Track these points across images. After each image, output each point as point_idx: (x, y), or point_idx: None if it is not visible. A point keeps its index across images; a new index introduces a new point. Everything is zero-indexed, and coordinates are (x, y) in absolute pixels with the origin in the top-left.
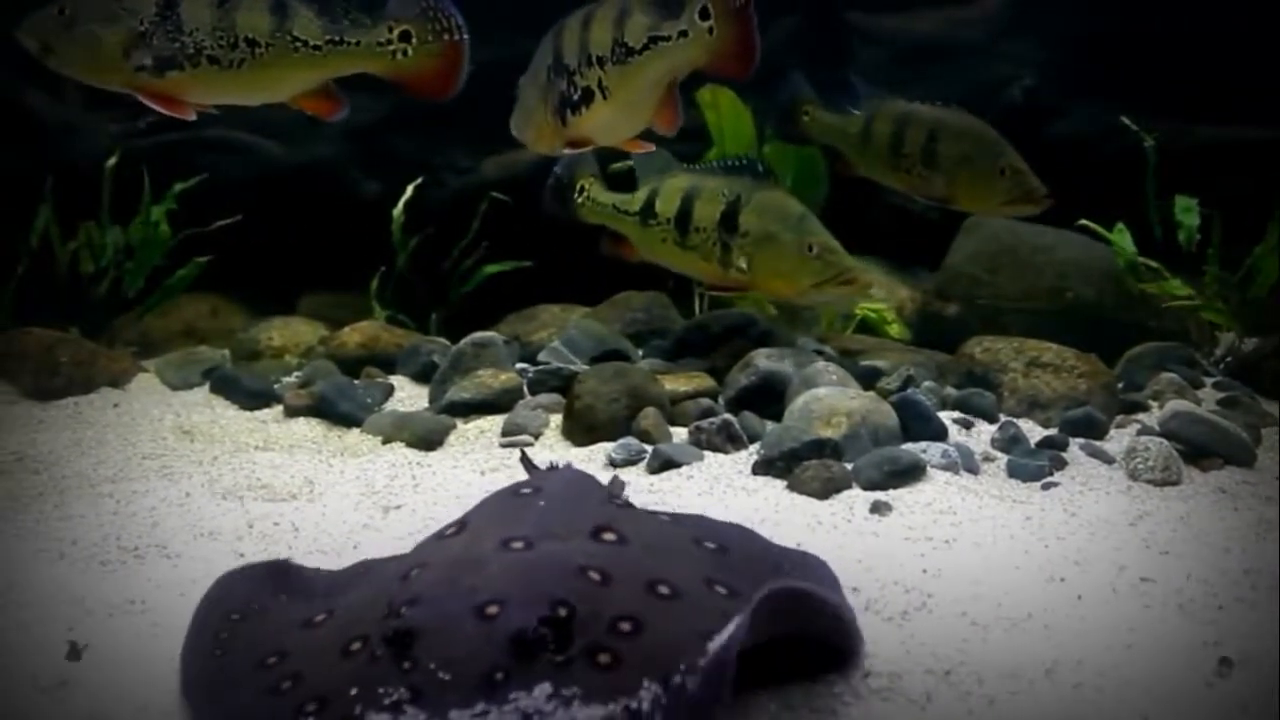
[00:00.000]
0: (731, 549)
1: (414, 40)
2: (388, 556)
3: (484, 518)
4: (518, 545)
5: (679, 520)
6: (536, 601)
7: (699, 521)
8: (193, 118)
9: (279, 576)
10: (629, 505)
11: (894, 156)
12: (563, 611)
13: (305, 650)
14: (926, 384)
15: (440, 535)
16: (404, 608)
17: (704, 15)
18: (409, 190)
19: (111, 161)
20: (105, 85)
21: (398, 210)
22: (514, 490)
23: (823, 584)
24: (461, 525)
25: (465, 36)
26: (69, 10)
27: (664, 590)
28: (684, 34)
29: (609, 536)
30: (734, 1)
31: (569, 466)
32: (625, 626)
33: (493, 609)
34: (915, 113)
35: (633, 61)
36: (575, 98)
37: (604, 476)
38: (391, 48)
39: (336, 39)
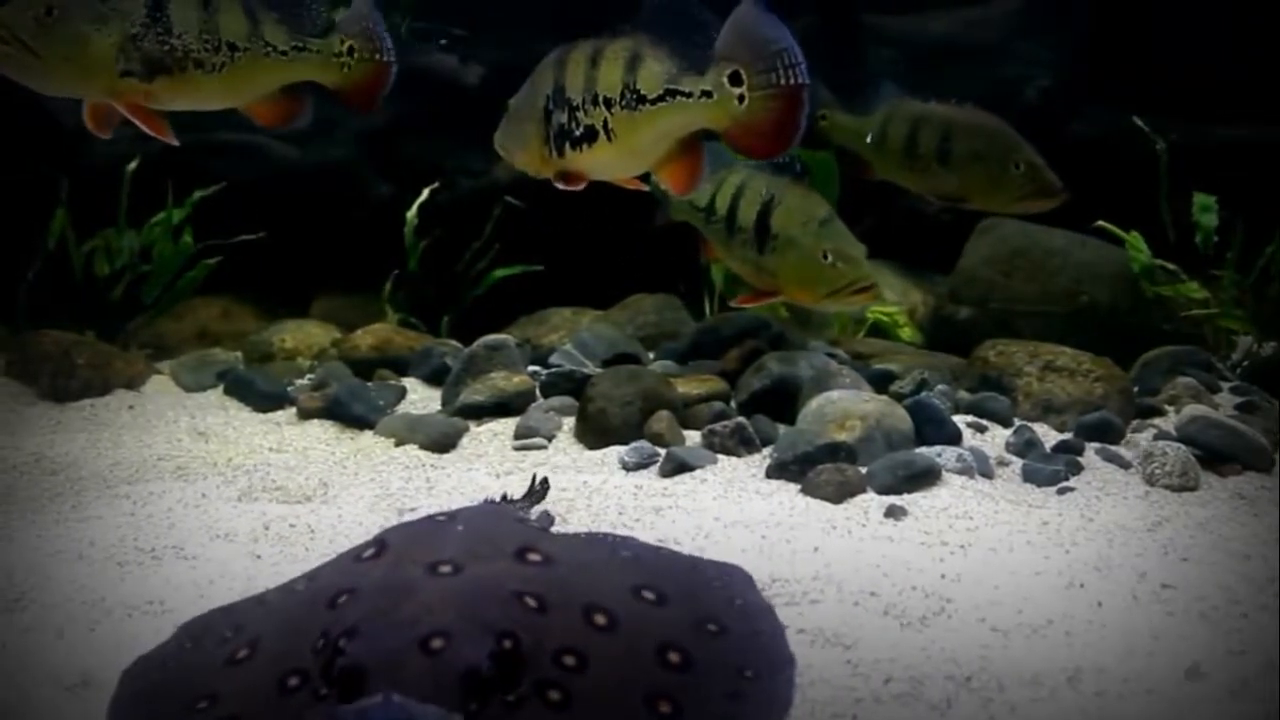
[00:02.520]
0: (645, 557)
1: (355, 55)
2: (286, 583)
3: (403, 540)
4: (446, 569)
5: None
6: (480, 633)
7: (613, 540)
8: (176, 143)
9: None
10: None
11: (909, 157)
12: (508, 644)
13: (237, 690)
14: (940, 388)
15: (357, 557)
16: (343, 640)
17: (735, 80)
18: (423, 194)
19: (132, 166)
20: (84, 94)
21: (410, 213)
22: (428, 517)
23: (738, 586)
24: (380, 547)
25: (393, 60)
26: (57, 10)
27: (600, 620)
28: (707, 94)
29: (534, 557)
30: (778, 76)
31: (488, 501)
32: (569, 660)
33: (436, 642)
34: (929, 112)
35: (643, 110)
36: (577, 134)
37: (616, 479)
38: (340, 59)
39: (300, 45)
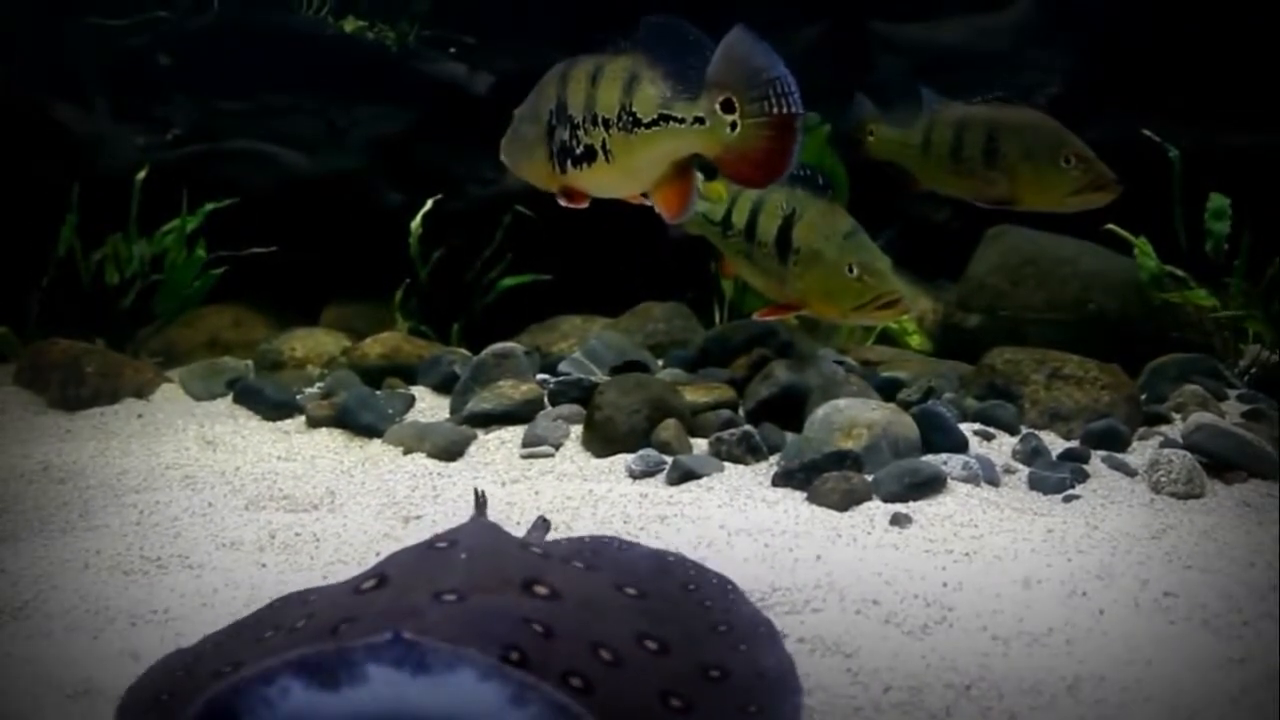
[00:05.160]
0: (650, 593)
1: None
2: (262, 609)
3: (404, 571)
4: (450, 598)
5: (596, 554)
6: (486, 645)
7: (612, 556)
8: None
9: (180, 656)
10: (545, 548)
11: (955, 162)
12: (515, 656)
13: None
14: (947, 395)
15: (357, 589)
16: None
17: (728, 108)
18: (428, 204)
19: (141, 174)
20: None
21: (415, 223)
22: (428, 544)
23: (733, 599)
24: (380, 579)
25: None
26: None
27: (606, 655)
28: (699, 120)
29: (541, 590)
30: (770, 105)
31: (476, 519)
32: (576, 682)
33: None
34: (972, 114)
35: (638, 133)
36: (578, 152)
37: (622, 487)
38: None
39: None
